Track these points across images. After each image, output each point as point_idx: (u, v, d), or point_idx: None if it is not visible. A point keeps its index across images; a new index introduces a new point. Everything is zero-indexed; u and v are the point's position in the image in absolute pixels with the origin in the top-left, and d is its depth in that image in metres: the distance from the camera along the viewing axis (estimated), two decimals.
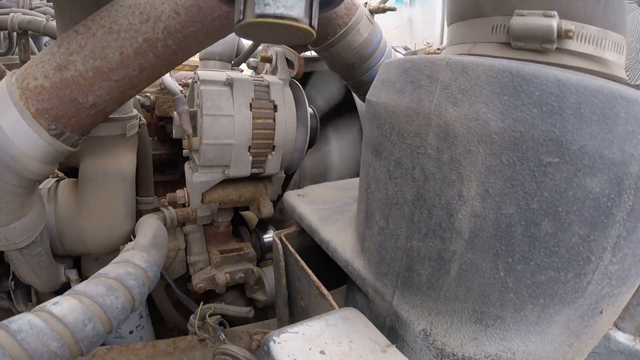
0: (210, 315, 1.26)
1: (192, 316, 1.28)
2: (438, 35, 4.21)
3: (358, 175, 1.72)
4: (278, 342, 0.64)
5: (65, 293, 0.79)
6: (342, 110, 1.89)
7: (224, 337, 1.21)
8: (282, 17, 0.58)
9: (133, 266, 0.91)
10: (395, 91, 0.66)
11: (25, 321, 0.69)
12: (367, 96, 0.76)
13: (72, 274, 1.34)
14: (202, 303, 1.29)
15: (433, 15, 4.35)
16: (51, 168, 0.99)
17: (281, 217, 1.86)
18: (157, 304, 1.64)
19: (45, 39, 2.69)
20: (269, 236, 1.71)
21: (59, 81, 0.88)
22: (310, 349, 0.63)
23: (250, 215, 1.93)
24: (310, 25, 0.59)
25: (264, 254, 1.70)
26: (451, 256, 0.60)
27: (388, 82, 0.69)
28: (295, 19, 0.59)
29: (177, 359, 1.23)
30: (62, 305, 0.73)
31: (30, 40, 1.78)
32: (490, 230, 0.55)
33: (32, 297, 1.49)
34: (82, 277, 1.34)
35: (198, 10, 0.88)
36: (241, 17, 0.60)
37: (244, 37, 0.71)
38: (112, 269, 0.88)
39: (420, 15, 4.53)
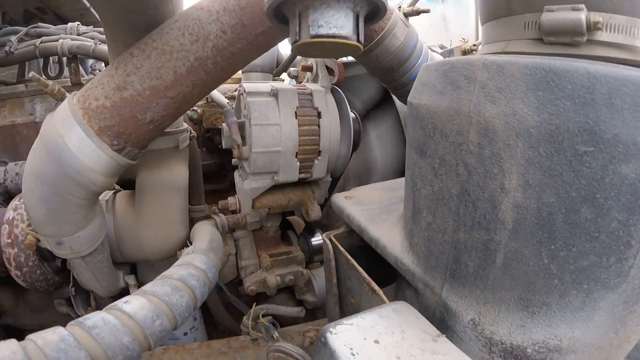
0: (262, 316, 1.32)
1: (245, 317, 1.33)
2: (473, 30, 4.17)
3: (400, 171, 1.77)
4: (335, 333, 0.68)
5: (134, 293, 0.84)
6: (378, 106, 1.93)
7: (277, 335, 1.26)
8: (334, 37, 0.65)
9: (194, 268, 0.96)
10: (435, 93, 0.70)
11: (99, 318, 0.74)
12: (408, 99, 0.81)
13: (131, 280, 1.42)
14: (254, 304, 1.35)
15: (466, 10, 4.30)
16: (113, 181, 1.06)
17: (327, 221, 1.91)
18: (210, 307, 1.71)
19: (90, 61, 2.84)
20: (316, 239, 1.76)
21: (119, 100, 0.95)
22: (365, 339, 0.68)
23: (297, 220, 1.99)
24: (358, 40, 0.66)
25: (312, 256, 1.75)
26: (496, 246, 0.64)
27: (428, 85, 0.73)
28: (346, 37, 0.66)
29: (231, 358, 1.29)
30: (133, 304, 0.79)
31: None
32: (533, 220, 0.59)
33: (91, 302, 1.58)
34: (140, 283, 1.43)
35: (242, 28, 0.94)
36: (297, 38, 0.67)
37: (299, 55, 0.78)
38: (175, 270, 0.94)
39: (453, 12, 4.49)
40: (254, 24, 0.94)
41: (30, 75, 1.23)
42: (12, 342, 0.64)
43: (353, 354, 0.64)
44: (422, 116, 0.74)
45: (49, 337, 0.66)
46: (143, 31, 0.98)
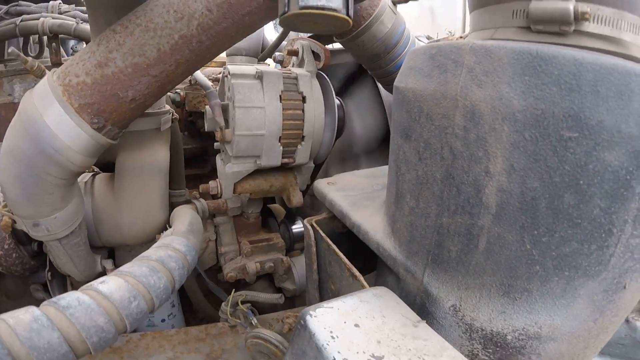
0: (241, 303, 1.32)
1: (224, 303, 1.34)
2: (460, 23, 4.20)
3: (380, 139, 1.79)
4: (315, 316, 0.69)
5: (111, 273, 0.84)
6: (353, 81, 1.95)
7: (255, 322, 1.27)
8: (322, 8, 0.66)
9: (173, 250, 0.96)
10: (422, 76, 0.71)
11: (73, 298, 0.73)
12: (395, 83, 0.81)
13: (108, 264, 1.42)
14: (233, 290, 1.36)
15: (454, 3, 4.34)
16: (92, 161, 1.05)
17: (311, 211, 1.92)
18: (188, 294, 1.71)
19: (72, 43, 2.80)
20: (297, 227, 1.76)
21: (100, 77, 0.94)
22: (345, 322, 0.68)
23: (278, 208, 2.00)
24: (348, 14, 0.66)
25: (292, 244, 1.76)
26: (479, 231, 0.65)
27: (415, 68, 0.73)
28: (335, 10, 0.66)
29: (208, 345, 1.29)
30: (109, 284, 0.79)
31: None
32: (516, 204, 0.60)
33: (67, 287, 1.57)
34: (117, 267, 1.41)
35: (229, 7, 0.93)
36: (286, 9, 0.67)
37: (287, 28, 0.78)
38: (153, 252, 0.94)
39: (441, 4, 4.53)
40: (240, 3, 0.93)
41: (9, 50, 1.21)
42: None
43: (333, 337, 0.64)
44: (408, 100, 0.74)
45: (22, 317, 0.66)
46: (126, 8, 0.97)
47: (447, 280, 0.73)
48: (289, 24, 0.81)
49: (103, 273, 1.41)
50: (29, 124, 0.95)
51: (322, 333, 0.65)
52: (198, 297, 1.74)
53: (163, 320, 1.59)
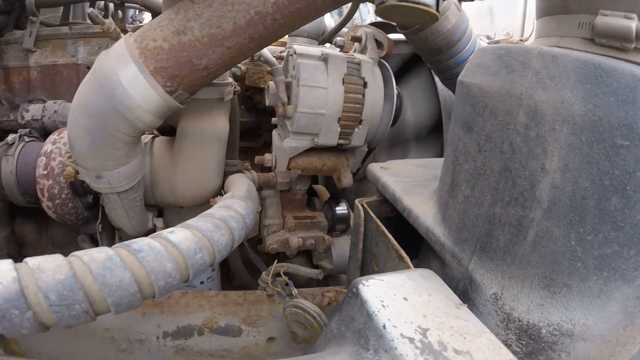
0: (283, 274, 1.41)
1: (264, 272, 1.42)
2: (519, 26, 4.17)
3: (431, 127, 1.91)
4: (367, 285, 0.76)
5: (178, 225, 0.92)
6: (408, 69, 2.03)
7: (296, 292, 1.36)
8: (418, 3, 0.77)
9: (234, 211, 1.05)
10: (490, 74, 0.78)
11: (145, 243, 0.79)
12: (460, 78, 0.89)
13: (159, 222, 1.55)
14: (276, 261, 1.44)
15: (514, 5, 4.30)
16: (159, 122, 1.15)
17: (355, 197, 2.01)
18: (228, 260, 1.81)
19: (131, 12, 2.95)
20: (341, 209, 1.86)
21: (177, 44, 1.03)
22: (394, 295, 0.76)
23: (322, 189, 2.09)
24: (437, 10, 0.77)
25: (334, 225, 1.86)
26: (529, 223, 0.72)
27: (483, 66, 0.81)
28: (429, 5, 0.77)
29: (245, 310, 1.37)
30: (177, 234, 0.85)
31: None
32: (567, 201, 0.67)
33: (115, 240, 1.70)
34: (165, 227, 1.52)
35: None
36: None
37: (381, 17, 0.89)
38: (217, 211, 1.03)
39: (501, 5, 4.49)
40: None
41: (88, 11, 1.33)
42: (58, 256, 0.69)
43: (384, 306, 0.72)
44: (473, 94, 0.82)
45: (96, 255, 0.72)
46: None
47: (492, 269, 0.79)
48: (384, 14, 0.91)
49: (153, 230, 1.54)
50: (104, 81, 1.05)
51: (374, 301, 0.73)
52: (238, 264, 1.85)
53: (202, 283, 1.70)
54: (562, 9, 0.77)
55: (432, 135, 1.99)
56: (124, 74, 1.04)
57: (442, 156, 1.78)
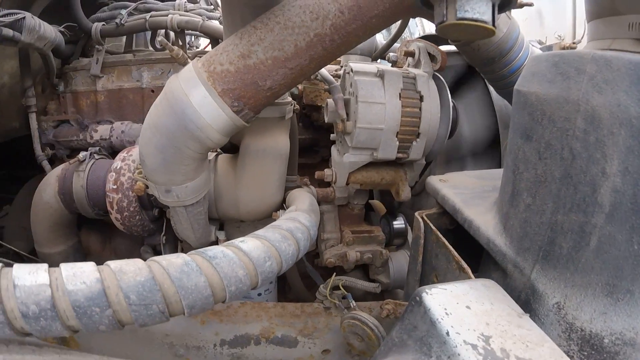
0: (340, 287, 1.44)
1: (322, 285, 1.45)
2: (569, 27, 4.07)
3: (488, 141, 1.92)
4: (430, 294, 0.79)
5: (248, 235, 0.97)
6: (463, 82, 2.04)
7: (354, 304, 1.38)
8: (476, 21, 0.82)
9: (300, 223, 1.10)
10: (546, 81, 0.80)
11: (218, 250, 0.85)
12: (516, 87, 0.91)
13: (221, 235, 1.63)
14: (334, 274, 1.48)
15: (563, 6, 4.20)
16: (225, 140, 1.22)
17: (412, 212, 2.03)
18: (286, 273, 1.84)
19: (187, 39, 3.14)
20: (398, 223, 1.88)
21: (243, 67, 1.11)
22: (457, 303, 0.77)
23: (378, 204, 2.13)
24: (494, 25, 0.81)
25: (391, 239, 1.88)
26: (592, 229, 0.73)
27: (539, 74, 0.83)
28: (486, 22, 0.82)
29: (302, 322, 1.40)
30: (248, 243, 0.91)
31: None
32: (629, 205, 0.68)
33: (178, 252, 1.79)
34: (227, 239, 1.60)
35: (358, 10, 1.06)
36: (444, 19, 0.84)
37: (440, 35, 0.95)
38: (283, 222, 1.08)
39: (549, 7, 4.40)
40: (369, 6, 1.06)
41: (158, 39, 1.43)
42: (138, 260, 0.74)
43: (447, 314, 0.74)
44: (530, 103, 0.84)
45: (173, 260, 0.77)
46: (262, 7, 1.13)
47: (555, 277, 0.80)
48: (444, 32, 0.96)
49: (215, 242, 1.61)
50: (175, 102, 1.13)
51: (437, 309, 0.75)
52: (295, 277, 1.90)
53: (259, 295, 1.76)
54: (610, 10, 0.78)
55: (488, 151, 1.99)
56: (194, 95, 1.12)
57: None
